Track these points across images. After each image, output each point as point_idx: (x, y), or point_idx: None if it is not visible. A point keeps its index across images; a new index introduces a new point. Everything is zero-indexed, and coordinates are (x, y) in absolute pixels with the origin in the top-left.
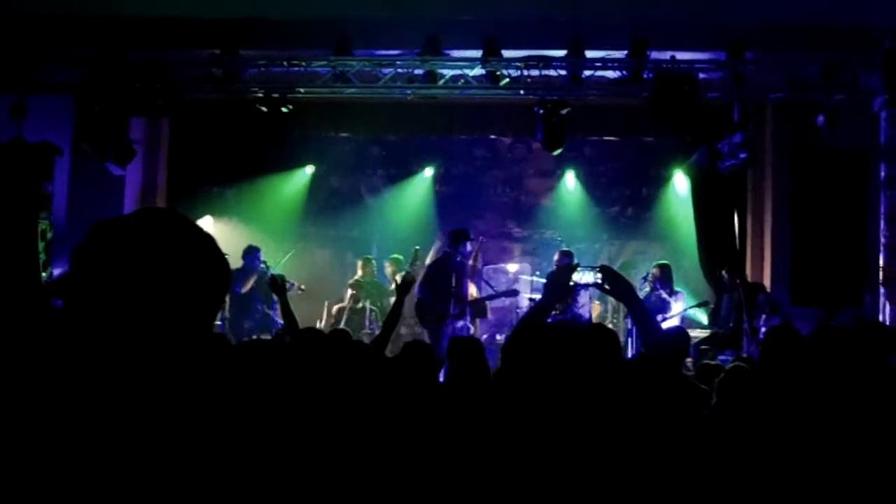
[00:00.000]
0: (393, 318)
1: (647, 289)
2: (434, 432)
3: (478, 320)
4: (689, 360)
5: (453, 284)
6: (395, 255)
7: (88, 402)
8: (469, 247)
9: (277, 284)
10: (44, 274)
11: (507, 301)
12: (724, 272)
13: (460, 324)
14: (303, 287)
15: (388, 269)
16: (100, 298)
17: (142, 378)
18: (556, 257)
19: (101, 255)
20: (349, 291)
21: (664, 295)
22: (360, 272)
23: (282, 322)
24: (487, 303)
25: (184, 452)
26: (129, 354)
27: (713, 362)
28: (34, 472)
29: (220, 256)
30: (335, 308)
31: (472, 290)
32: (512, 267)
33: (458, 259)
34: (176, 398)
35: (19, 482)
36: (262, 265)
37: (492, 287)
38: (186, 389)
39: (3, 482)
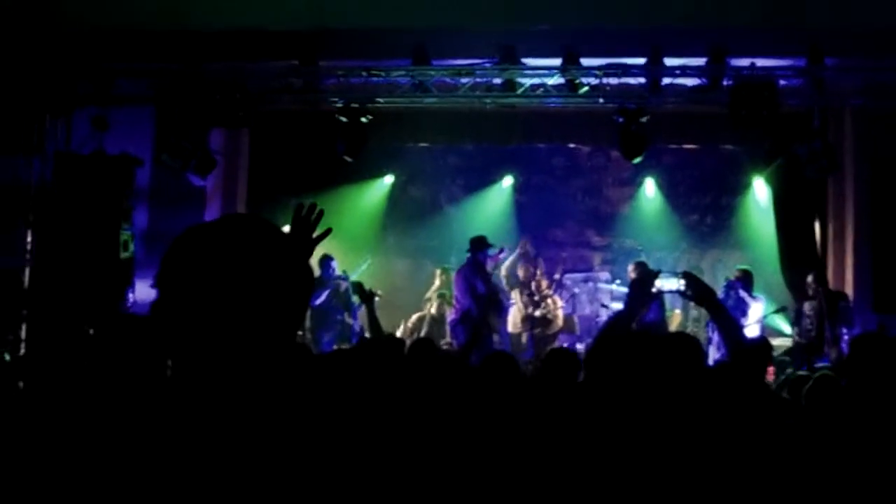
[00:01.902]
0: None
1: (725, 292)
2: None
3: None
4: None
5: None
6: (447, 266)
7: (175, 409)
8: (490, 252)
9: (364, 291)
10: (125, 284)
11: (588, 311)
12: (809, 278)
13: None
14: (380, 293)
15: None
16: (187, 304)
17: (230, 385)
18: (630, 268)
19: (187, 260)
20: (434, 301)
21: (743, 295)
22: (437, 282)
23: (360, 331)
24: (576, 317)
25: (270, 461)
26: (217, 362)
27: (800, 372)
28: (126, 473)
29: (304, 262)
30: (414, 317)
31: (558, 301)
32: (603, 274)
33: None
34: (262, 405)
35: (108, 484)
36: (339, 274)
37: (571, 297)
38: (273, 397)
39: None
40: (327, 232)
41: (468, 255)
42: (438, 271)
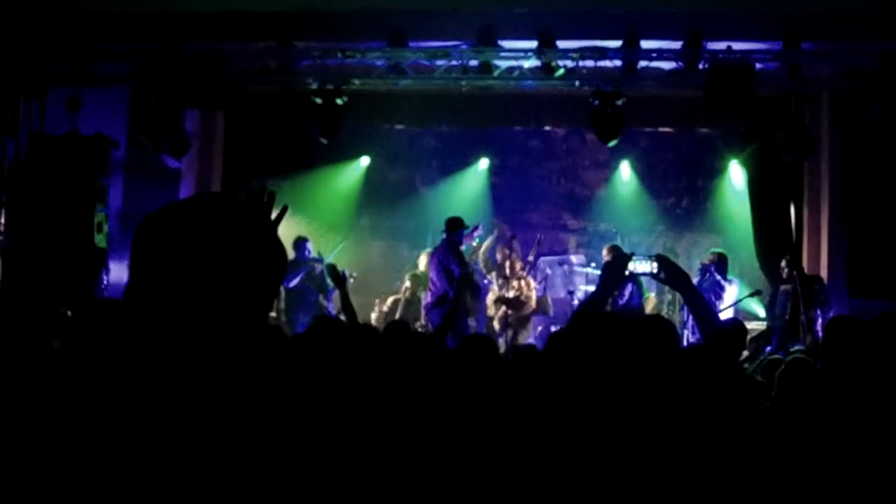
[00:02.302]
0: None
1: (700, 276)
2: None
3: (532, 317)
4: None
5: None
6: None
7: (145, 391)
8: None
9: (338, 275)
10: (100, 265)
11: (562, 293)
12: (784, 262)
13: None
14: (354, 275)
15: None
16: (157, 282)
17: (199, 366)
18: (604, 252)
19: (159, 239)
20: (406, 283)
21: (718, 278)
22: (422, 266)
23: (336, 313)
24: (549, 298)
25: (239, 443)
26: (187, 342)
27: (773, 356)
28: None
29: (276, 242)
30: (390, 299)
31: (531, 283)
32: (576, 258)
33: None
34: (232, 387)
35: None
36: (314, 256)
37: (544, 279)
38: (243, 378)
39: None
40: (284, 210)
41: (443, 236)
42: (424, 255)
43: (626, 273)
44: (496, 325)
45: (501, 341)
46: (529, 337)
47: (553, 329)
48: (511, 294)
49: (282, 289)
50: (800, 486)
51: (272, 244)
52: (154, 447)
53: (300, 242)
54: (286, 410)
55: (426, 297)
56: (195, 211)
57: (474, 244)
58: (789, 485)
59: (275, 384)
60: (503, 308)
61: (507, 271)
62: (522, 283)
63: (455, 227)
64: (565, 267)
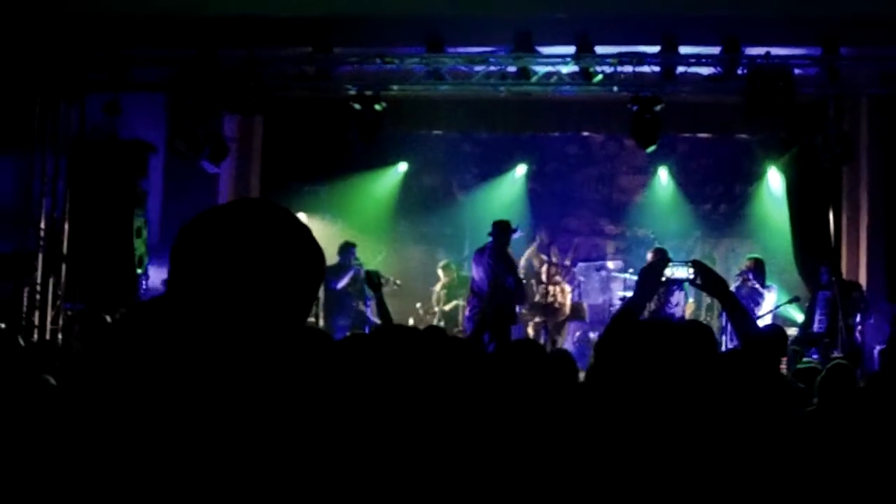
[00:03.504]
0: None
1: (739, 282)
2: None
3: (568, 323)
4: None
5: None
6: (449, 262)
7: (186, 393)
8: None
9: (373, 281)
10: (139, 270)
11: (600, 299)
12: (822, 267)
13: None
14: (398, 282)
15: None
16: (198, 287)
17: (240, 368)
18: (648, 256)
19: (199, 244)
20: (442, 298)
21: (756, 285)
22: (443, 278)
23: (375, 319)
24: (585, 304)
25: (284, 446)
26: (228, 345)
27: (811, 362)
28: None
29: (315, 247)
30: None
31: (566, 289)
32: (612, 264)
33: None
34: (274, 389)
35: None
36: (357, 262)
37: (579, 285)
38: (284, 380)
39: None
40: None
41: (490, 239)
42: (441, 270)
43: (663, 279)
44: (531, 331)
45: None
46: (566, 343)
47: (591, 335)
48: (545, 300)
49: (322, 293)
50: (841, 490)
51: (311, 249)
52: (194, 450)
53: (347, 247)
54: (325, 413)
55: (467, 306)
56: (234, 216)
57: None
58: (831, 489)
59: (315, 386)
60: (536, 315)
61: (544, 277)
62: (556, 288)
63: (505, 231)
64: (603, 273)
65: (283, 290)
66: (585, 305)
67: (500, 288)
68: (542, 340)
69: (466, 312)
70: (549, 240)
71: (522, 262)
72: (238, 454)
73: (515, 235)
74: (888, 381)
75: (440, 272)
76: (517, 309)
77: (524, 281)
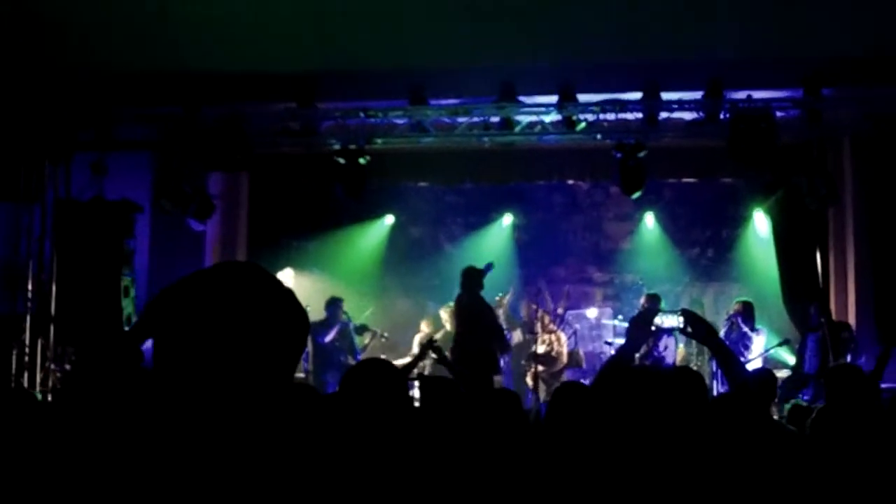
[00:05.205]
0: (453, 372)
1: (728, 326)
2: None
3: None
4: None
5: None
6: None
7: (177, 454)
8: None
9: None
10: (127, 329)
11: (591, 346)
12: (811, 309)
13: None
14: (386, 335)
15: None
16: (181, 351)
17: (228, 428)
18: (641, 301)
19: (180, 308)
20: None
21: (745, 329)
22: (424, 329)
23: None
24: (581, 351)
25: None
26: (214, 406)
27: (803, 404)
28: None
29: (298, 308)
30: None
31: (562, 337)
32: (592, 312)
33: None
34: (263, 447)
35: None
36: (344, 316)
37: (574, 333)
38: (273, 438)
39: None
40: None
41: (463, 291)
42: (424, 322)
43: (653, 328)
44: (529, 381)
45: (532, 398)
46: None
47: (585, 383)
48: (542, 349)
49: (310, 349)
50: None
51: (293, 309)
52: None
53: (334, 302)
54: (313, 467)
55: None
56: (215, 279)
57: (497, 298)
58: None
59: (303, 441)
60: (534, 365)
61: (538, 327)
62: (552, 336)
63: (472, 277)
64: (592, 321)
65: (266, 349)
66: (581, 352)
67: (468, 344)
68: (540, 390)
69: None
70: (538, 287)
71: (503, 311)
72: None
73: (489, 271)
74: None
75: (423, 325)
76: (498, 358)
77: (509, 329)
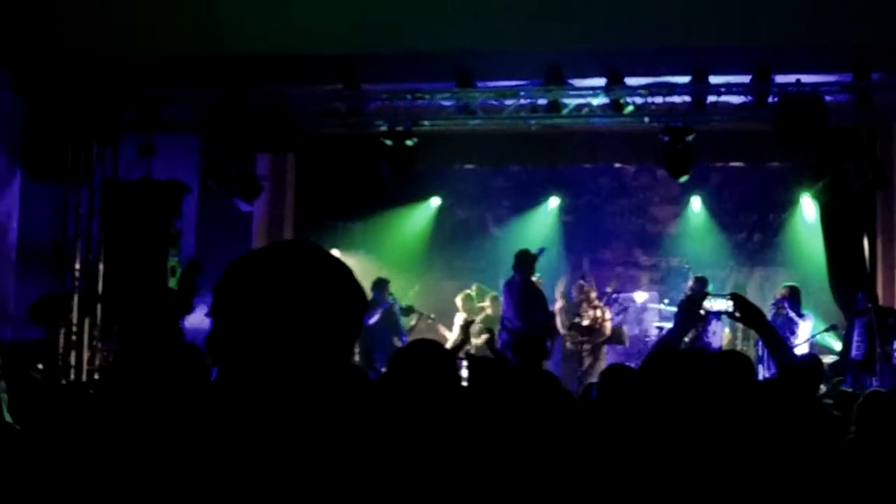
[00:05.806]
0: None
1: (775, 311)
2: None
3: (606, 346)
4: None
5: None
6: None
7: (232, 436)
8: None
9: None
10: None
11: (637, 329)
12: (858, 294)
13: None
14: (432, 316)
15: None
16: (242, 331)
17: (288, 411)
18: (689, 283)
19: (240, 290)
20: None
21: (791, 314)
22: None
23: None
24: (625, 328)
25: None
26: (275, 387)
27: (849, 389)
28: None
29: (355, 285)
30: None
31: (607, 312)
32: (640, 296)
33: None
34: (321, 430)
35: None
36: (390, 297)
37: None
38: (330, 421)
39: None
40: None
41: (516, 273)
42: (460, 299)
43: (702, 312)
44: (569, 345)
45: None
46: (602, 367)
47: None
48: (586, 322)
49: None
50: None
51: (351, 288)
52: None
53: (381, 283)
54: (370, 451)
55: (498, 340)
56: (274, 258)
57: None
58: None
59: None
60: (577, 336)
61: (584, 302)
62: (598, 311)
63: (526, 260)
64: (639, 304)
65: (326, 330)
66: (625, 330)
67: (519, 326)
68: (580, 359)
69: (497, 346)
70: (583, 272)
71: (558, 296)
72: (283, 495)
73: (541, 255)
74: None
75: (458, 302)
76: (547, 344)
77: (565, 312)
